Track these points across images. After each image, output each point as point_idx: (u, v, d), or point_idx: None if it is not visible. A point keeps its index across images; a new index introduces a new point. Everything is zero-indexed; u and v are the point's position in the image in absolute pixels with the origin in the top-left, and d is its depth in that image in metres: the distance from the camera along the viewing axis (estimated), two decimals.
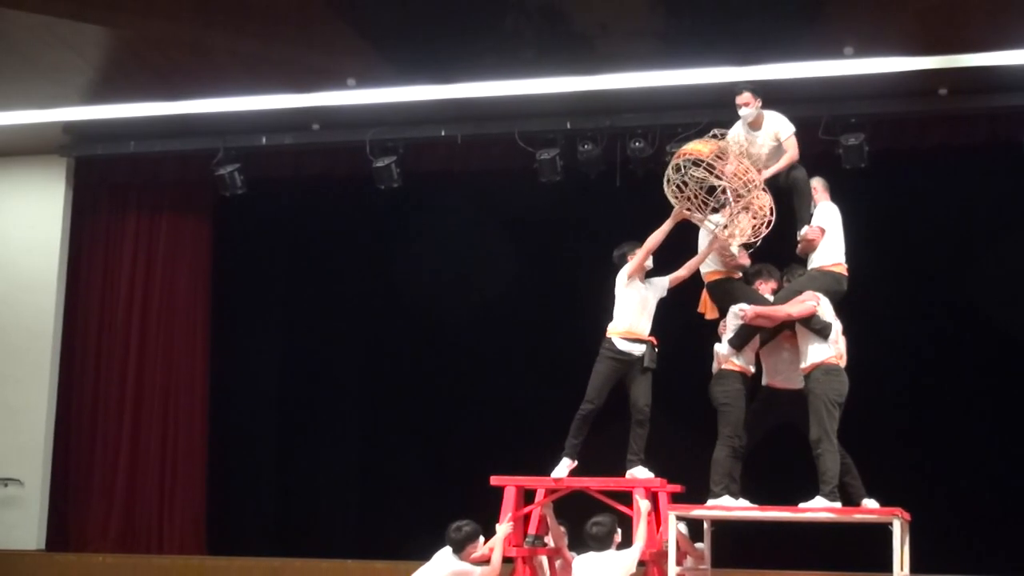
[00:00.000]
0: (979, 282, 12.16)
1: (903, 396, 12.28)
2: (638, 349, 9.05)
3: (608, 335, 9.08)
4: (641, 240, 9.19)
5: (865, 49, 10.91)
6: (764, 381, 9.02)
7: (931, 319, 12.36)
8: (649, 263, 9.19)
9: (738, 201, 8.53)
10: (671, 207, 8.79)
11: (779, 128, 8.95)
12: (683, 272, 9.26)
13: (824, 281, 8.69)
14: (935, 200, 12.17)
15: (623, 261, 9.23)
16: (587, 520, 8.28)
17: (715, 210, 8.73)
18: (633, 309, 9.08)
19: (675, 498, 9.01)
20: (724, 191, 8.54)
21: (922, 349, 12.32)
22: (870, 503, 8.51)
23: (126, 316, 13.62)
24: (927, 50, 10.93)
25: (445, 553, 8.26)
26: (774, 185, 8.94)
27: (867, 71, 11.10)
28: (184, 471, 13.36)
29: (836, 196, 9.12)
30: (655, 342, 9.10)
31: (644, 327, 9.09)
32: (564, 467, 8.98)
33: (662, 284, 9.23)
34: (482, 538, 8.17)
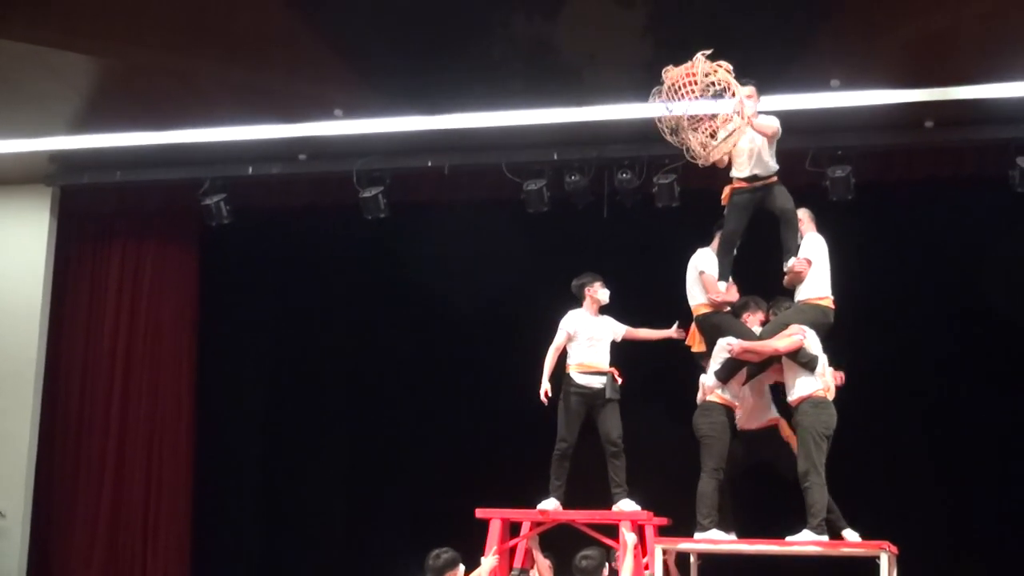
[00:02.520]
0: (967, 316, 12.16)
1: (890, 428, 12.22)
2: (598, 381, 9.20)
3: (567, 371, 9.19)
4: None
5: (852, 81, 10.94)
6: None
7: (918, 353, 12.32)
8: (605, 297, 9.31)
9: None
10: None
11: (769, 120, 9.00)
12: (643, 335, 9.40)
13: (811, 314, 8.73)
14: (922, 233, 12.18)
15: (580, 292, 9.37)
16: (574, 553, 8.24)
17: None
18: (580, 343, 9.19)
19: (662, 531, 9.00)
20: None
21: (909, 382, 12.28)
22: (850, 534, 8.49)
23: (111, 346, 13.56)
24: (914, 83, 10.95)
25: None
26: (764, 215, 8.99)
27: (854, 103, 11.12)
28: (169, 503, 13.27)
29: (822, 228, 9.19)
30: (616, 372, 9.18)
31: (598, 359, 9.20)
32: (550, 505, 9.05)
33: (616, 328, 9.37)
34: (462, 567, 8.15)
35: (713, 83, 8.50)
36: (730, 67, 8.56)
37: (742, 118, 8.58)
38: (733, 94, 8.55)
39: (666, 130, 8.73)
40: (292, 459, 13.99)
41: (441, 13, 10.64)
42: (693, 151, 8.72)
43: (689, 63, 8.62)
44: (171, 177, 13.13)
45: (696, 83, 8.51)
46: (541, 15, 10.61)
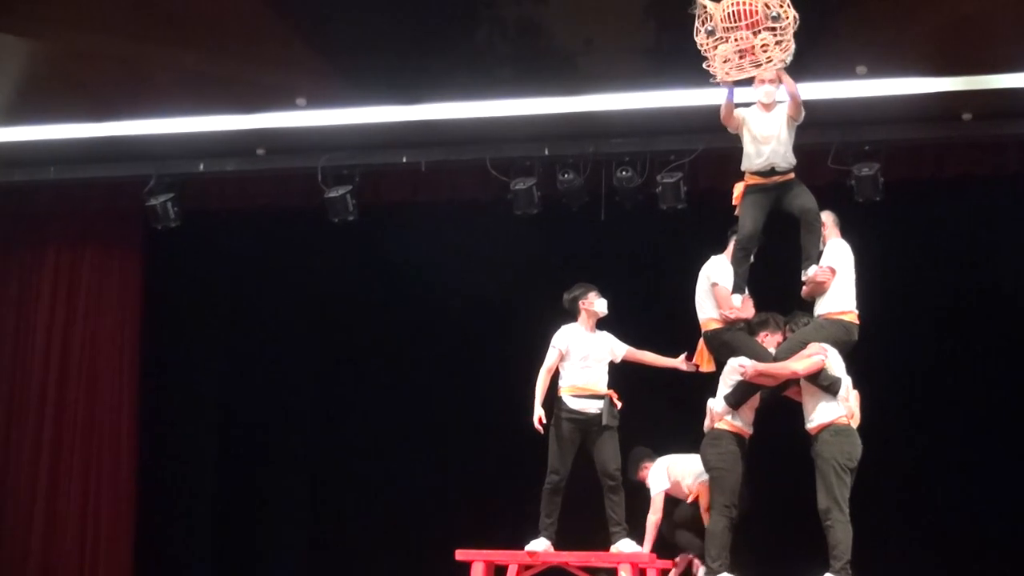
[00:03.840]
0: (1010, 328, 12.21)
1: (922, 458, 12.27)
2: (594, 406, 9.23)
3: (559, 394, 9.21)
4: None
5: (880, 68, 11.00)
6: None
7: (954, 369, 12.37)
8: (602, 308, 9.34)
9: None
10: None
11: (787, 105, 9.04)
12: (646, 358, 9.45)
13: (832, 331, 8.75)
14: (958, 236, 12.24)
15: (574, 306, 9.39)
16: None
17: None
18: (574, 363, 9.23)
19: (665, 575, 9.04)
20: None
21: (944, 404, 12.33)
22: None
23: (43, 362, 13.53)
24: (950, 70, 11.02)
25: None
26: (780, 218, 9.01)
27: (882, 93, 11.18)
28: (109, 539, 13.23)
29: (847, 233, 9.18)
30: (614, 396, 9.20)
31: (594, 381, 9.23)
32: (540, 546, 9.06)
33: (616, 347, 9.39)
34: None
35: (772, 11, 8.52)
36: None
37: (784, 60, 8.61)
38: (788, 26, 8.57)
39: (700, 26, 8.67)
40: (249, 488, 13.99)
41: None
42: (711, 61, 8.70)
43: None
44: (112, 174, 13.11)
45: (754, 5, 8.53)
46: None
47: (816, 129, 9.27)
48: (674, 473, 9.53)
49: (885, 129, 11.69)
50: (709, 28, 8.58)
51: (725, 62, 8.61)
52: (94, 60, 11.55)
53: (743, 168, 9.10)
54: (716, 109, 10.32)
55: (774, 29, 8.52)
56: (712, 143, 11.41)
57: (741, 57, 8.62)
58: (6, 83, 11.88)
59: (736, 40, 8.57)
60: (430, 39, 11.03)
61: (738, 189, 9.15)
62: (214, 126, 12.28)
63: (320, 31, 11.16)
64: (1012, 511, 12.14)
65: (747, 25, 8.53)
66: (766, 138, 8.97)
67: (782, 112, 9.01)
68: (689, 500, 9.44)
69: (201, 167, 12.88)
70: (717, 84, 8.79)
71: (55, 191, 13.47)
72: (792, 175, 9.06)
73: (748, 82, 8.89)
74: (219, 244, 13.71)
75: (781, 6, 8.50)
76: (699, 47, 8.68)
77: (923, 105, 11.32)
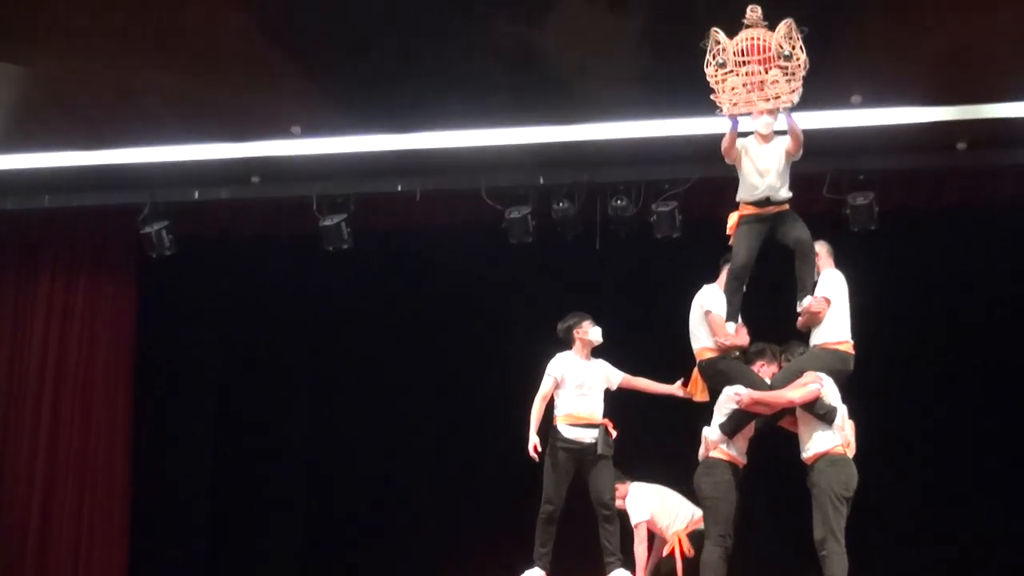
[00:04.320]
0: (1004, 358, 12.22)
1: (919, 488, 12.26)
2: (589, 435, 9.25)
3: (554, 423, 9.22)
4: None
5: (875, 98, 11.04)
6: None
7: (951, 398, 12.38)
8: (597, 337, 9.35)
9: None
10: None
11: (786, 139, 9.06)
12: (642, 385, 9.44)
13: (828, 360, 8.75)
14: (953, 265, 12.24)
15: (569, 335, 9.41)
16: None
17: None
18: (569, 391, 9.24)
19: None
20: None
21: (941, 433, 12.32)
22: None
23: (36, 393, 13.50)
24: (944, 99, 11.05)
25: None
26: (774, 248, 9.03)
27: (877, 122, 11.21)
28: (100, 571, 13.21)
29: (841, 262, 9.20)
30: (609, 425, 9.22)
31: (590, 409, 9.25)
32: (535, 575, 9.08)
33: (611, 375, 9.41)
34: None
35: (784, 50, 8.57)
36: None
37: (791, 99, 8.65)
38: (798, 67, 8.62)
39: (712, 59, 8.69)
40: (241, 517, 13.95)
41: (412, 18, 10.71)
42: (719, 93, 8.71)
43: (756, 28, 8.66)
44: (107, 202, 13.09)
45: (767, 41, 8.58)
46: (525, 21, 10.68)
47: (811, 158, 9.26)
48: (652, 506, 9.57)
49: (880, 158, 11.71)
50: (720, 60, 8.62)
51: (734, 92, 8.63)
52: (89, 88, 11.53)
53: (738, 198, 9.12)
54: (711, 138, 10.36)
55: (784, 68, 8.58)
56: (707, 172, 11.46)
57: (750, 91, 8.66)
58: (0, 110, 11.89)
59: (747, 74, 8.61)
60: (425, 67, 11.03)
61: (732, 219, 9.17)
62: (209, 154, 12.28)
63: (315, 59, 11.17)
64: (1012, 539, 12.12)
65: (759, 60, 8.58)
66: (763, 170, 9.00)
67: (780, 145, 9.04)
68: (665, 553, 9.46)
69: (196, 195, 12.86)
70: (722, 115, 8.80)
71: (49, 219, 13.45)
72: (787, 206, 9.08)
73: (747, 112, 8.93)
74: (213, 272, 13.69)
75: (793, 47, 8.56)
76: (709, 78, 8.71)
77: (918, 134, 11.36)
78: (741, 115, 8.83)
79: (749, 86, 8.65)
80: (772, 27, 8.68)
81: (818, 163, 11.16)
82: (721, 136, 9.16)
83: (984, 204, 11.88)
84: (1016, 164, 11.68)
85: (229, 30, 10.92)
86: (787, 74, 8.62)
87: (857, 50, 10.44)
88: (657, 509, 9.68)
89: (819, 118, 10.92)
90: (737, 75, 8.64)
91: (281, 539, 14.02)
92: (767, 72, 8.61)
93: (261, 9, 10.83)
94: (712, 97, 8.75)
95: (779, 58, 8.57)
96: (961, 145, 11.57)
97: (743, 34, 8.64)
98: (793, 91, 8.66)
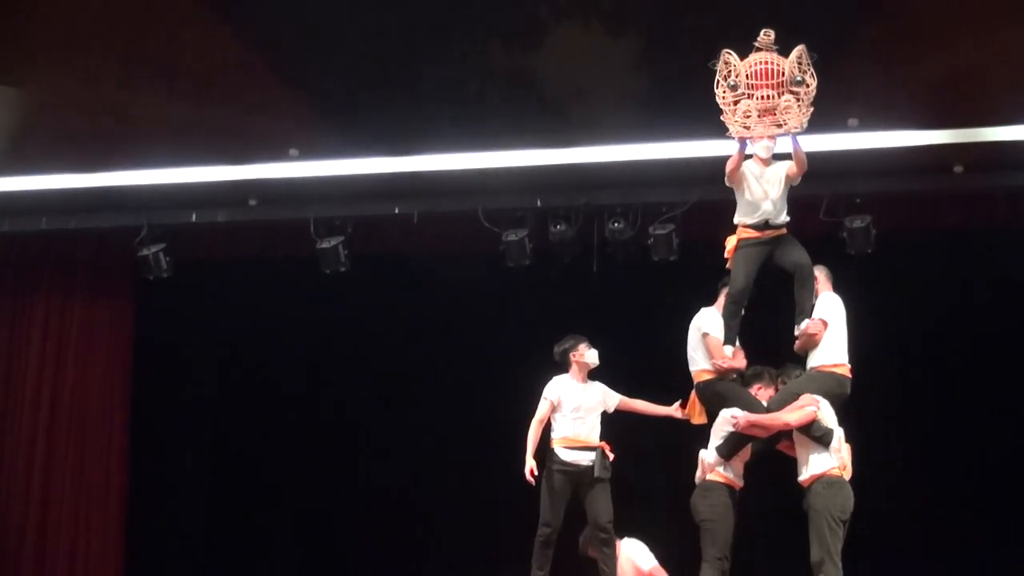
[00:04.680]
0: (1002, 380, 12.23)
1: (916, 510, 12.26)
2: (586, 458, 9.25)
3: (551, 446, 9.23)
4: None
5: (872, 121, 11.07)
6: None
7: (948, 421, 12.38)
8: (593, 359, 9.36)
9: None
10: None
11: (786, 163, 9.08)
12: (640, 407, 9.46)
13: (825, 383, 8.75)
14: (951, 288, 12.26)
15: (565, 358, 9.42)
16: None
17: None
18: (565, 414, 9.25)
19: None
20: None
21: (939, 456, 12.33)
22: None
23: (32, 414, 13.50)
24: (941, 122, 11.09)
25: None
26: (773, 272, 9.05)
27: (874, 145, 11.25)
28: None
29: (839, 285, 9.21)
30: (606, 447, 9.22)
31: (586, 432, 9.27)
32: None
33: (609, 397, 9.42)
34: None
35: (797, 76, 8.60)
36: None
37: (800, 124, 8.68)
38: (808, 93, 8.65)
39: (722, 80, 8.69)
40: (236, 541, 13.93)
41: (410, 42, 10.74)
42: (728, 114, 8.72)
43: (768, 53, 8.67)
44: (104, 224, 13.15)
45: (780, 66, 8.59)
46: (522, 45, 10.72)
47: (808, 181, 9.27)
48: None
49: (877, 181, 11.74)
50: (732, 83, 8.63)
51: (747, 117, 8.65)
52: (85, 110, 11.56)
53: (737, 221, 9.12)
54: (708, 161, 10.45)
55: (796, 93, 8.60)
56: (704, 195, 11.50)
57: (760, 116, 8.67)
58: None
59: (761, 98, 8.62)
60: (422, 90, 11.06)
61: (731, 242, 9.15)
62: (206, 176, 12.30)
63: (312, 82, 11.20)
64: (1008, 566, 12.13)
65: (771, 84, 8.60)
66: (763, 193, 9.00)
67: (780, 169, 9.06)
68: None
69: (193, 217, 12.89)
70: (732, 137, 8.80)
71: (46, 241, 13.47)
72: (785, 230, 9.10)
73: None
74: (209, 293, 13.70)
75: (805, 73, 8.59)
76: (719, 99, 8.72)
77: (915, 157, 11.38)
78: (751, 138, 8.82)
79: (760, 111, 8.66)
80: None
81: (815, 186, 11.13)
82: (719, 159, 9.18)
83: (981, 227, 11.91)
84: (1013, 187, 11.73)
85: (226, 54, 10.96)
86: (798, 100, 8.65)
87: (854, 74, 10.46)
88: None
89: (816, 141, 10.90)
90: (750, 98, 8.64)
91: (276, 563, 13.98)
92: (779, 97, 8.63)
93: (258, 33, 10.86)
94: (722, 118, 8.75)
95: (792, 84, 8.59)
96: (958, 168, 11.61)
97: (754, 57, 8.64)
98: (804, 117, 8.69)
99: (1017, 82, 10.54)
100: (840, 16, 9.54)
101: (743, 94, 8.65)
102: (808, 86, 8.64)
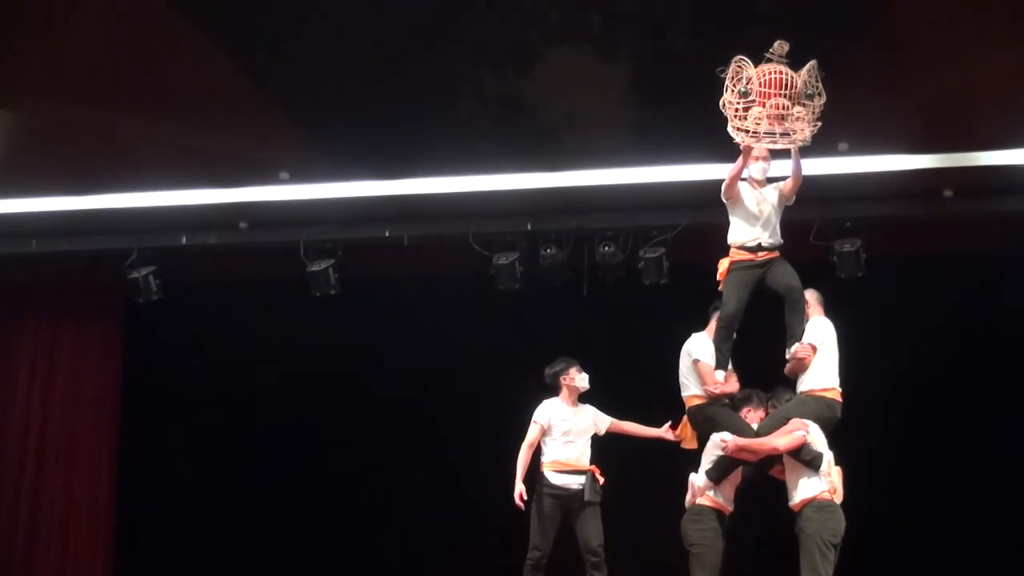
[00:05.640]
0: (992, 404, 12.26)
1: (904, 539, 12.28)
2: (576, 481, 9.27)
3: (541, 469, 9.24)
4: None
5: (861, 145, 11.10)
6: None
7: (938, 445, 12.40)
8: (584, 383, 9.39)
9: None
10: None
11: (779, 185, 9.12)
12: (630, 429, 9.49)
13: (815, 407, 8.76)
14: (941, 314, 12.27)
15: (556, 381, 9.44)
16: None
17: None
18: (555, 438, 9.27)
19: None
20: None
21: (929, 480, 12.35)
22: None
23: (20, 438, 13.49)
24: (931, 147, 11.13)
25: None
26: (764, 295, 9.06)
27: (864, 169, 11.27)
28: None
29: (829, 309, 9.22)
30: (596, 471, 9.24)
31: (576, 456, 9.28)
32: None
33: (599, 420, 9.44)
34: None
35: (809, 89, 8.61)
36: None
37: (806, 138, 8.69)
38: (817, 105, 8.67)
39: (732, 84, 8.63)
40: (226, 563, 13.89)
41: (401, 66, 10.76)
42: (737, 121, 8.68)
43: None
44: (94, 247, 13.14)
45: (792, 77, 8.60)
46: (514, 69, 10.75)
47: (798, 205, 9.29)
48: None
49: (867, 206, 11.77)
50: (743, 89, 8.62)
51: (758, 123, 8.64)
52: (74, 131, 11.56)
53: (730, 241, 9.10)
54: (698, 185, 10.49)
55: (807, 106, 8.62)
56: (694, 219, 11.53)
57: (771, 123, 8.66)
58: None
59: (775, 106, 8.58)
60: (412, 113, 11.08)
61: (723, 265, 9.13)
62: (197, 200, 12.31)
63: (303, 106, 11.22)
64: None
65: (783, 95, 8.59)
66: (757, 215, 9.02)
67: (773, 192, 9.08)
68: None
69: (183, 240, 12.90)
70: (740, 143, 8.76)
71: (36, 263, 13.47)
72: (777, 253, 9.10)
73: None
74: (199, 316, 13.67)
75: (816, 86, 8.61)
76: (724, 104, 8.67)
77: (904, 182, 11.41)
78: (760, 144, 8.77)
79: (771, 119, 8.64)
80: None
81: (805, 210, 11.13)
82: (709, 183, 9.21)
83: (971, 251, 11.94)
84: (1002, 212, 11.77)
85: (217, 77, 10.97)
86: (809, 112, 8.66)
87: (844, 98, 10.47)
88: None
89: (807, 165, 10.89)
90: (762, 106, 8.59)
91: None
92: (792, 107, 8.62)
93: (249, 57, 10.88)
94: (728, 129, 8.71)
95: (803, 96, 8.60)
96: (948, 192, 11.64)
97: (767, 67, 8.61)
98: (812, 130, 8.69)
99: (1006, 107, 10.58)
100: (829, 41, 9.57)
101: (753, 101, 8.65)
102: (819, 99, 8.66)
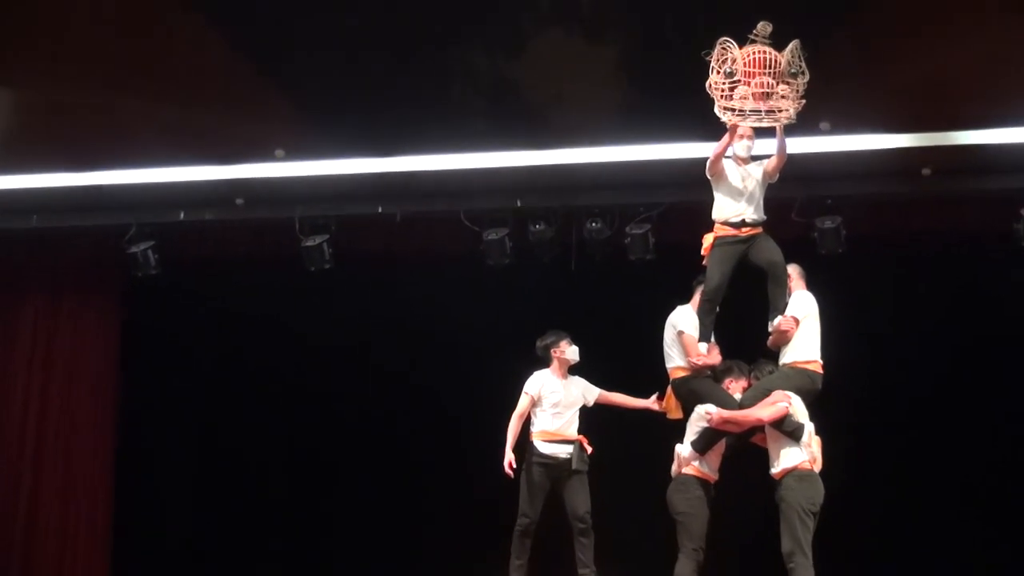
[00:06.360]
0: (967, 379, 12.35)
1: (879, 507, 12.36)
2: (564, 451, 9.34)
3: (530, 439, 9.30)
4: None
5: (842, 125, 11.14)
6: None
7: (912, 422, 12.48)
8: (574, 356, 9.40)
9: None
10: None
11: (763, 163, 9.20)
12: (618, 400, 9.56)
13: (797, 380, 8.86)
14: (919, 290, 12.38)
15: (546, 353, 9.48)
16: None
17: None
18: (545, 409, 9.33)
19: None
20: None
21: (901, 451, 12.43)
22: None
23: (21, 411, 13.51)
24: (910, 127, 11.18)
25: None
26: (747, 270, 9.13)
27: (844, 148, 11.33)
28: None
29: (811, 284, 9.30)
30: (584, 441, 9.31)
31: (565, 427, 9.35)
32: None
33: (588, 391, 9.49)
34: None
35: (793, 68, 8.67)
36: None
37: (790, 116, 8.74)
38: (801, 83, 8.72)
39: (717, 65, 8.69)
40: (223, 536, 13.93)
41: (394, 47, 10.80)
42: (723, 100, 8.73)
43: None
44: (94, 223, 13.08)
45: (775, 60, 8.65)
46: (504, 51, 10.79)
47: (781, 183, 9.35)
48: None
49: (847, 184, 11.81)
50: (728, 69, 8.68)
51: (744, 100, 8.69)
52: (74, 110, 11.54)
53: (714, 217, 9.18)
54: (683, 164, 10.53)
55: (791, 84, 8.68)
56: (679, 197, 11.56)
57: (757, 100, 8.68)
58: None
59: (758, 85, 8.64)
60: (406, 93, 11.10)
61: (707, 240, 9.21)
62: (194, 176, 12.30)
63: (298, 85, 11.24)
64: (968, 557, 12.26)
65: (768, 73, 8.65)
66: (741, 192, 9.07)
67: (757, 169, 9.15)
68: None
69: (181, 216, 12.89)
70: (726, 121, 8.81)
71: (37, 239, 13.43)
72: (761, 229, 9.17)
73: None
74: (196, 291, 13.67)
75: (799, 65, 8.67)
76: (710, 86, 8.74)
77: (884, 161, 11.45)
78: (746, 122, 8.84)
79: (756, 97, 8.70)
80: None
81: (788, 188, 11.16)
82: (694, 162, 9.27)
83: (948, 228, 11.98)
84: (979, 190, 11.81)
85: (214, 57, 10.99)
86: (793, 90, 8.73)
87: (826, 79, 10.50)
88: None
89: (789, 144, 10.96)
90: (747, 85, 8.65)
91: (264, 564, 13.99)
92: (776, 86, 8.69)
93: (245, 37, 10.91)
94: (715, 109, 8.77)
95: (787, 75, 8.66)
96: (926, 171, 11.68)
97: (751, 47, 8.65)
98: (796, 108, 8.75)
99: (983, 88, 10.62)
100: (812, 25, 9.62)
101: (739, 81, 8.69)
102: (803, 78, 8.72)
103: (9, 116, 11.79)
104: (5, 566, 13.16)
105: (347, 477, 13.77)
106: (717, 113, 8.77)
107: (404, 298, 13.04)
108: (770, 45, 8.67)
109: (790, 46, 8.68)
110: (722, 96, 8.71)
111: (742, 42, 8.69)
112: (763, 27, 8.68)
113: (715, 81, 8.73)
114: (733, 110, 8.71)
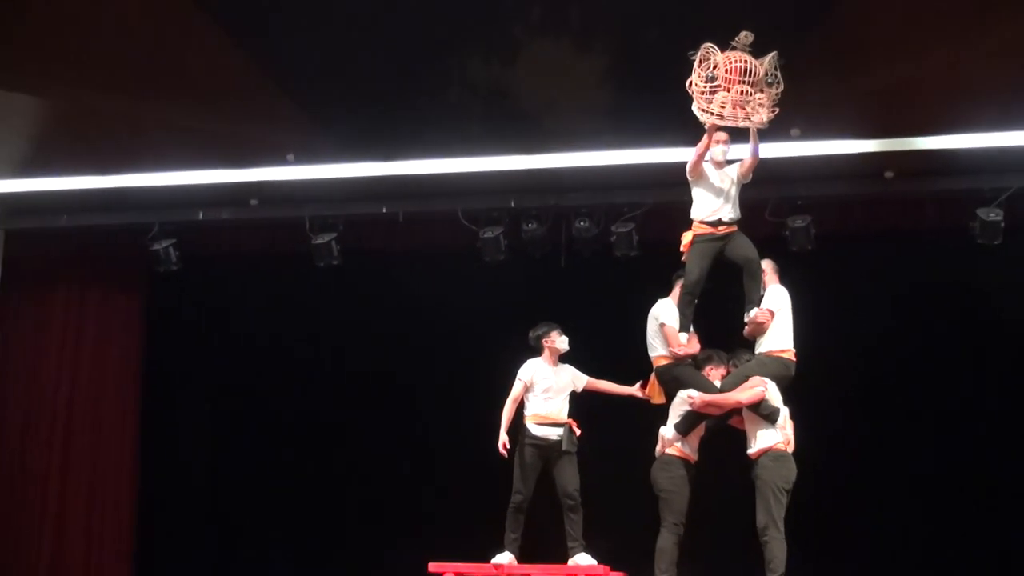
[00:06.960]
0: (927, 369, 12.25)
1: (848, 486, 12.26)
2: (555, 433, 9.30)
3: (523, 422, 9.25)
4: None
5: (812, 131, 11.09)
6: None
7: (877, 407, 12.39)
8: (564, 345, 9.31)
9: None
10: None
11: (737, 165, 9.12)
12: (605, 387, 9.51)
13: (773, 367, 8.79)
14: (883, 284, 12.28)
15: (539, 343, 9.43)
16: None
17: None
18: (537, 394, 9.27)
19: None
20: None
21: (867, 438, 12.34)
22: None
23: (52, 395, 13.44)
24: (875, 132, 11.14)
25: None
26: (724, 265, 9.04)
27: (814, 153, 11.26)
28: (109, 559, 13.10)
29: (783, 278, 9.22)
30: (573, 424, 9.23)
31: (556, 411, 9.29)
32: (505, 559, 9.12)
33: (577, 378, 9.43)
34: None
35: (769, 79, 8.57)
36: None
37: (763, 121, 8.67)
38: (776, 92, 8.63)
39: (700, 68, 8.60)
40: (239, 515, 13.82)
41: (397, 57, 10.71)
42: (703, 104, 8.63)
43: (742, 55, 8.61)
44: (119, 222, 13.07)
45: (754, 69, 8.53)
46: (499, 59, 10.70)
47: (755, 185, 9.30)
48: None
49: (816, 185, 11.78)
50: (710, 75, 8.56)
51: (723, 107, 8.57)
52: (100, 117, 11.52)
53: (693, 216, 9.11)
54: (666, 167, 10.44)
55: (767, 93, 8.57)
56: (662, 198, 11.51)
57: (735, 107, 8.59)
58: (20, 139, 11.84)
59: (739, 92, 8.55)
60: (408, 100, 11.05)
61: (686, 238, 9.15)
62: (212, 179, 12.29)
63: (308, 93, 11.17)
64: (934, 535, 12.16)
65: (746, 82, 8.55)
66: (717, 192, 9.00)
67: (732, 171, 9.07)
68: None
69: (200, 216, 12.89)
70: (706, 122, 8.72)
71: (66, 236, 13.40)
72: (736, 227, 9.09)
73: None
74: (214, 285, 13.65)
75: (775, 75, 8.58)
76: (690, 87, 8.65)
77: (850, 164, 11.43)
78: (723, 127, 8.78)
79: (735, 104, 8.60)
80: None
81: (761, 189, 11.12)
82: (675, 165, 9.17)
83: (910, 228, 11.96)
84: (939, 191, 11.78)
85: (230, 66, 10.90)
86: (770, 98, 8.62)
87: (796, 87, 10.43)
88: None
89: (762, 149, 10.89)
90: (727, 91, 8.57)
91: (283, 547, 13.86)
92: (753, 94, 8.58)
93: (260, 48, 10.81)
94: (693, 108, 8.67)
95: (763, 83, 8.56)
96: (889, 174, 11.65)
97: (732, 54, 8.57)
98: (770, 115, 8.68)
99: (943, 96, 10.57)
100: (784, 36, 9.52)
101: (719, 86, 8.59)
102: (778, 87, 8.62)
103: (42, 123, 11.69)
104: (39, 526, 13.11)
105: (355, 456, 13.63)
106: (695, 112, 8.66)
107: (406, 290, 12.96)
108: (750, 53, 8.57)
109: (768, 56, 8.59)
110: (702, 96, 8.59)
111: (723, 49, 8.59)
112: (744, 36, 8.59)
113: (696, 82, 8.61)
114: (711, 113, 8.61)
